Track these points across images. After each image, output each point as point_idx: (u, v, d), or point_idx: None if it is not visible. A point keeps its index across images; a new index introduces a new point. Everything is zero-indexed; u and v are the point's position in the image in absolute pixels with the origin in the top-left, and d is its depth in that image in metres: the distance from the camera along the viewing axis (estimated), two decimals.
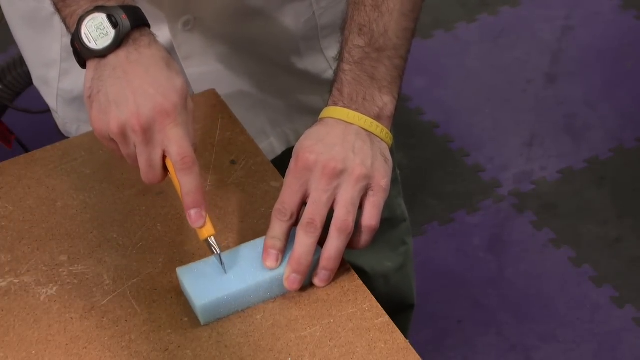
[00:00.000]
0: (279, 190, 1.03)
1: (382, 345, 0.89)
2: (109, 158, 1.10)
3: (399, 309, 1.62)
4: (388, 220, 1.49)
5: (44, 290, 0.96)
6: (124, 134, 0.89)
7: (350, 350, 0.89)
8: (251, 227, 1.01)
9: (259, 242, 0.96)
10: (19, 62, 2.06)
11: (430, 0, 3.01)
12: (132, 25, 0.90)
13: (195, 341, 0.91)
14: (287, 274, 0.92)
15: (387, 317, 0.92)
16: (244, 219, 1.02)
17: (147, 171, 0.90)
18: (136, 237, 1.01)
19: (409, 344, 0.89)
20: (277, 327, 0.91)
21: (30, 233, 1.02)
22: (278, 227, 0.93)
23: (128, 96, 0.88)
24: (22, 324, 0.93)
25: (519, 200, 2.26)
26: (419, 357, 0.88)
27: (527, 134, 2.42)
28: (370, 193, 0.95)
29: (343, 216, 0.92)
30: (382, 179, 0.95)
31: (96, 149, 1.11)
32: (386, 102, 0.99)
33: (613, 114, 2.47)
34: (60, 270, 0.98)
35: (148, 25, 0.93)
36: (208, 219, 0.92)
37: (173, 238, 1.00)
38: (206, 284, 0.92)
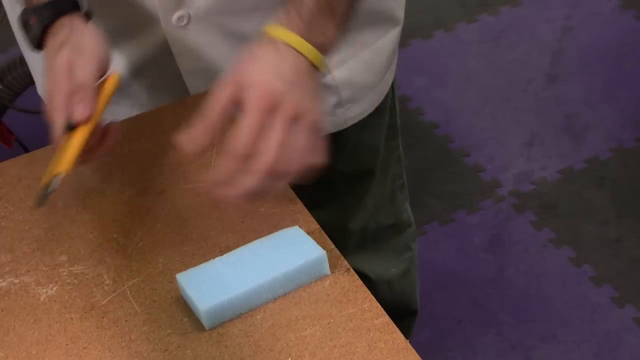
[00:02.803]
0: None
1: (382, 345, 0.89)
2: (109, 158, 1.10)
3: (402, 315, 1.61)
4: (393, 226, 1.49)
5: (44, 290, 0.96)
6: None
7: (350, 350, 0.89)
8: (251, 227, 1.01)
9: (258, 244, 0.96)
10: (19, 62, 2.06)
11: (430, 1, 3.04)
12: (43, 25, 0.98)
13: (195, 341, 0.91)
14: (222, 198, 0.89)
15: (387, 317, 0.92)
16: (244, 219, 1.02)
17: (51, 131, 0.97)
18: (136, 237, 1.01)
19: (409, 344, 0.89)
20: (277, 327, 0.91)
21: (30, 233, 1.02)
22: (232, 166, 0.88)
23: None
24: (22, 324, 0.93)
25: (519, 200, 2.26)
26: (419, 357, 0.88)
27: (527, 134, 2.42)
28: (315, 133, 0.92)
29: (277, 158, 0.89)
30: (321, 121, 0.93)
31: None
32: (333, 36, 0.96)
33: (613, 114, 2.47)
34: (60, 270, 0.98)
35: (65, 12, 0.99)
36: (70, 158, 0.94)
37: (173, 238, 1.00)
38: (208, 289, 0.92)
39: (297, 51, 0.93)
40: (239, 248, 0.96)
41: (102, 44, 1.00)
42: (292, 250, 0.94)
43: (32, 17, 0.99)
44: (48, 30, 0.99)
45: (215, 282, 0.92)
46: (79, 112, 0.95)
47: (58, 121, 0.95)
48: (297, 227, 0.97)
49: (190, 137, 0.89)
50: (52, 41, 0.98)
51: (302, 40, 0.94)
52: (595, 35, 2.71)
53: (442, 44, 2.72)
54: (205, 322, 0.91)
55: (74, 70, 0.96)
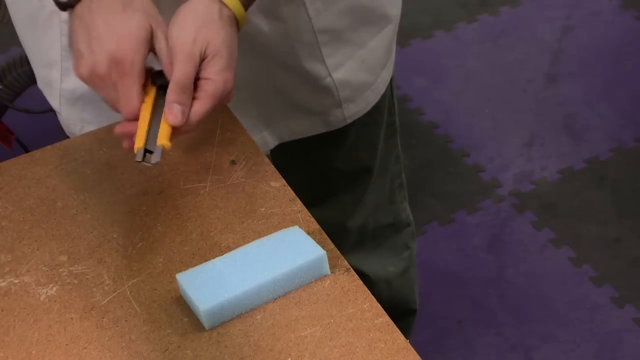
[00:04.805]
0: (279, 190, 1.03)
1: (382, 345, 0.89)
2: (109, 158, 1.10)
3: (401, 314, 1.61)
4: (392, 225, 1.50)
5: (44, 290, 0.96)
6: (93, 80, 0.95)
7: (350, 350, 0.89)
8: (251, 227, 1.01)
9: (258, 244, 0.96)
10: (19, 62, 2.06)
11: (430, 0, 3.04)
12: None
13: (195, 341, 0.91)
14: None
15: (387, 317, 0.92)
16: (244, 219, 1.02)
17: (116, 107, 0.96)
18: (136, 237, 1.01)
19: (409, 344, 0.89)
20: (277, 327, 0.91)
21: (30, 233, 1.02)
22: (182, 105, 0.95)
23: (90, 45, 0.94)
24: (22, 324, 0.93)
25: (519, 200, 2.26)
26: (419, 357, 0.88)
27: (527, 134, 2.43)
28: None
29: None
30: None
31: (96, 149, 1.11)
32: None
33: (613, 114, 2.47)
34: (60, 270, 0.98)
35: None
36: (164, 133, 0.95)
37: (173, 238, 1.00)
38: (208, 289, 0.92)
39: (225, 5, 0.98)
40: (239, 248, 0.96)
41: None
42: (292, 250, 0.94)
43: None
44: None
45: (215, 282, 0.92)
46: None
47: (136, 88, 0.94)
48: (297, 227, 0.97)
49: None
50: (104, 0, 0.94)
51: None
52: (595, 35, 2.71)
53: (442, 44, 2.72)
54: (205, 322, 0.91)
55: (157, 40, 0.95)
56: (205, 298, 0.91)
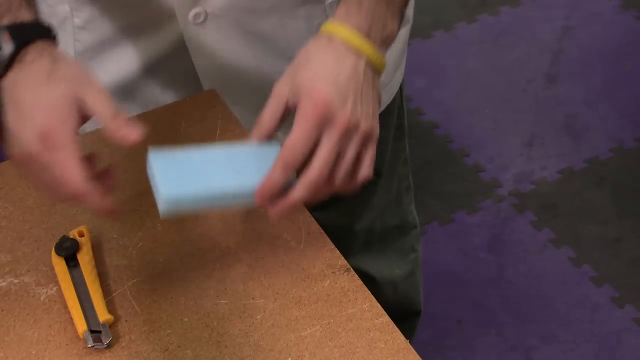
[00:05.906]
0: None
1: (382, 345, 0.89)
2: (109, 158, 1.10)
3: (406, 316, 1.61)
4: (399, 227, 1.49)
5: (44, 290, 0.96)
6: (26, 162, 0.86)
7: (350, 350, 0.89)
8: (251, 227, 1.01)
9: (238, 150, 0.92)
10: None
11: (430, 0, 3.03)
12: (17, 46, 0.87)
13: (195, 341, 0.91)
14: (271, 213, 0.87)
15: (387, 317, 0.92)
16: (244, 219, 1.02)
17: (54, 192, 0.86)
18: (136, 237, 1.01)
19: (408, 344, 0.89)
20: (277, 327, 0.91)
21: (30, 233, 1.02)
22: (282, 177, 0.87)
23: (19, 122, 0.86)
24: (22, 324, 0.93)
25: (519, 200, 2.26)
26: (419, 357, 0.89)
27: (527, 134, 2.43)
28: (369, 145, 0.90)
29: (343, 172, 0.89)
30: (377, 129, 0.91)
31: (96, 150, 1.11)
32: (393, 28, 0.92)
33: (613, 114, 2.47)
34: None
35: (42, 35, 0.89)
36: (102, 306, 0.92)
37: (173, 238, 1.00)
38: (177, 174, 0.87)
39: (358, 50, 0.89)
40: (218, 145, 0.92)
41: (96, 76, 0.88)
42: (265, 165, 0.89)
43: (3, 34, 0.86)
44: (17, 55, 0.87)
45: (187, 171, 0.88)
46: (131, 134, 0.86)
47: (72, 160, 0.84)
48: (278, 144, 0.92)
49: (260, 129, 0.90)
50: (30, 69, 0.87)
51: (363, 38, 0.89)
52: (595, 35, 2.71)
53: (442, 44, 2.72)
54: (162, 208, 0.87)
55: (90, 104, 0.86)
56: (170, 182, 0.87)
